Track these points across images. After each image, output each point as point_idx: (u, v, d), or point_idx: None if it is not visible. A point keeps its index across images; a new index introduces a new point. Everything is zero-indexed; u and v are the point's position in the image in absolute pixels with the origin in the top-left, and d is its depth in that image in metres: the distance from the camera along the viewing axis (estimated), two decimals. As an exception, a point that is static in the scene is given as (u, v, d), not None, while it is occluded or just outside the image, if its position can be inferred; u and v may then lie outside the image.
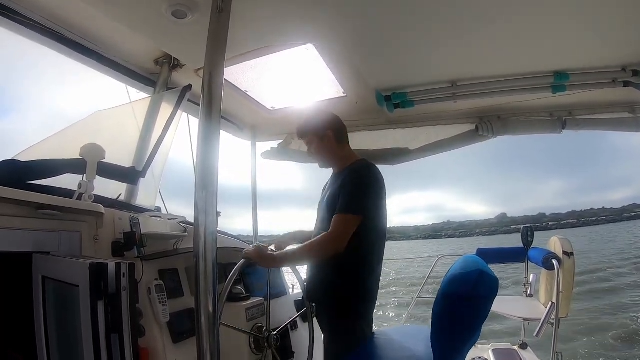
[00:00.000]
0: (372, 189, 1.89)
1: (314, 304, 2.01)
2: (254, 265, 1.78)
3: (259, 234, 3.36)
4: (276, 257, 1.83)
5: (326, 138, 2.05)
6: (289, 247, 1.91)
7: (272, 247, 1.97)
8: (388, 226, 2.04)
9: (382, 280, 2.05)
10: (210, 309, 1.11)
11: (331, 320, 1.94)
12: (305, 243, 1.85)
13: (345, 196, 1.85)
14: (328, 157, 2.10)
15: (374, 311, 2.01)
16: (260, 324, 1.92)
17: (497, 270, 1.52)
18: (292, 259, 1.88)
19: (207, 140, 1.18)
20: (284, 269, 2.53)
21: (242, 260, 1.70)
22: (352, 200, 1.83)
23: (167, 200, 2.46)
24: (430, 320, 1.41)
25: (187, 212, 2.27)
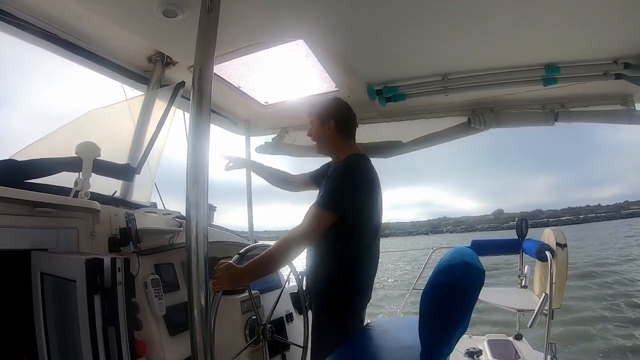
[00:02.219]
0: (358, 186, 1.83)
1: (308, 296, 2.03)
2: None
3: (239, 230, 3.28)
4: (247, 272, 1.64)
5: (327, 125, 2.00)
6: (254, 259, 1.67)
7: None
8: (384, 222, 2.03)
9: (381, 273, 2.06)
10: (203, 302, 1.13)
11: (321, 313, 1.93)
12: (270, 248, 1.73)
13: (326, 191, 1.81)
14: (323, 145, 2.06)
15: (368, 303, 2.01)
16: (255, 316, 1.95)
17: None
18: (263, 266, 1.69)
19: (198, 135, 1.19)
20: None
21: (217, 294, 1.57)
22: (330, 195, 1.79)
23: (166, 195, 2.50)
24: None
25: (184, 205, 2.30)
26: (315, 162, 2.43)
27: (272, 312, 1.97)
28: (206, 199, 1.18)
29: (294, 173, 2.44)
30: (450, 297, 1.29)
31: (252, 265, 1.65)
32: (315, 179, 2.31)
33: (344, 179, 1.84)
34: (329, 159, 2.24)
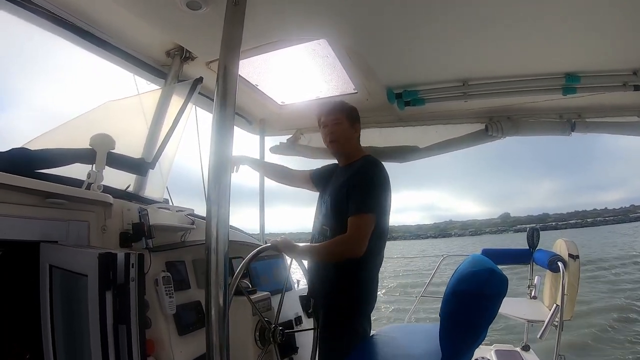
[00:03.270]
0: (381, 188, 1.88)
1: (312, 300, 2.02)
2: (274, 252, 1.93)
3: (246, 231, 3.15)
4: (297, 249, 1.90)
5: (354, 128, 2.06)
6: (309, 244, 1.97)
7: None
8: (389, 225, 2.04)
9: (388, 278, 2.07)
10: (221, 301, 1.10)
11: (330, 318, 1.93)
12: (327, 242, 1.88)
13: (358, 195, 1.83)
14: (345, 145, 2.07)
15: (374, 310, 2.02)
16: (266, 318, 1.91)
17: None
18: (311, 253, 1.96)
19: (221, 133, 1.16)
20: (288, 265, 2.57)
21: (268, 244, 1.88)
22: (365, 199, 1.82)
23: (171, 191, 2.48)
24: (434, 319, 1.40)
25: (190, 204, 2.29)
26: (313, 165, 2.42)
27: (291, 323, 1.94)
28: (228, 198, 1.15)
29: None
30: (475, 305, 1.27)
31: (304, 248, 1.93)
32: (315, 180, 2.30)
33: (371, 180, 1.87)
34: (330, 162, 2.28)
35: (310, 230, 2.10)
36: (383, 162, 2.00)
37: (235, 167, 2.43)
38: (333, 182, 2.06)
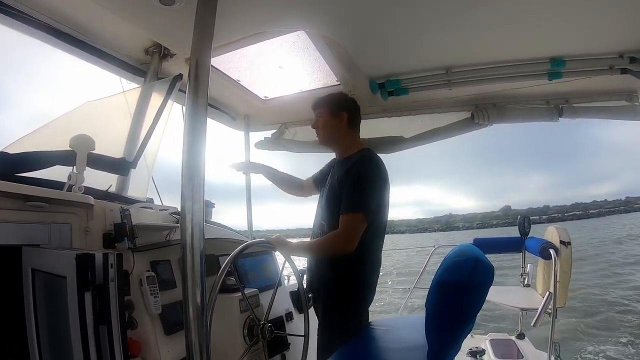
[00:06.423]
0: (375, 183, 1.88)
1: (310, 295, 2.01)
2: (263, 248, 2.03)
3: (238, 230, 3.23)
4: (290, 245, 1.93)
5: (339, 117, 2.04)
6: (303, 240, 2.02)
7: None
8: (389, 220, 2.05)
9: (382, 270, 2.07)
10: (198, 301, 1.08)
11: (327, 311, 1.95)
12: (318, 239, 1.92)
13: (350, 193, 1.84)
14: (332, 137, 2.08)
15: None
16: (251, 315, 1.90)
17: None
18: (304, 250, 1.99)
19: (194, 129, 1.14)
20: (280, 261, 2.56)
21: (259, 240, 1.99)
22: (355, 197, 1.83)
23: (166, 192, 2.47)
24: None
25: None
26: (316, 158, 2.40)
27: (269, 310, 1.92)
28: (202, 193, 1.13)
29: (292, 169, 2.44)
30: (460, 296, 1.26)
31: (297, 245, 1.99)
32: (317, 181, 2.31)
33: (365, 177, 1.87)
34: (328, 158, 2.28)
35: (306, 227, 2.12)
36: None
37: (243, 172, 2.57)
38: (331, 177, 2.07)
